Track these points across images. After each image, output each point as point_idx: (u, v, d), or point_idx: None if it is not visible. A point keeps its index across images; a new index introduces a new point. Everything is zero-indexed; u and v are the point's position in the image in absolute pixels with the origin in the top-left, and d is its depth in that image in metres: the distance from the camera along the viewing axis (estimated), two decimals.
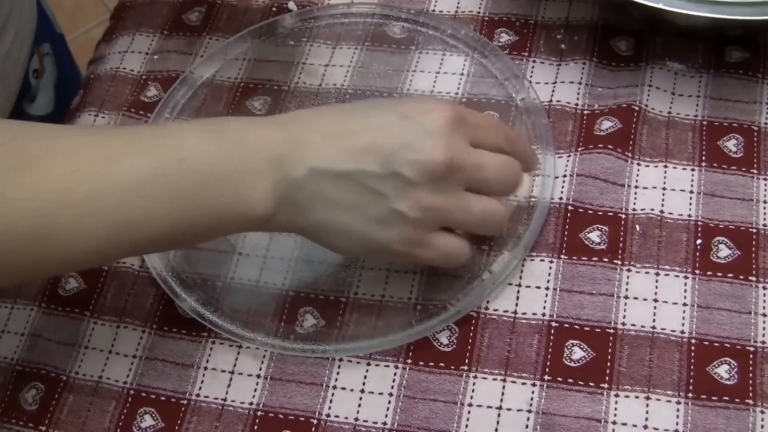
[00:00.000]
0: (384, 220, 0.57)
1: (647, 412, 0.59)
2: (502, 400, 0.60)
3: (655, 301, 0.62)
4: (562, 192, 0.67)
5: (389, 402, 0.61)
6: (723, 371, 0.60)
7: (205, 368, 0.64)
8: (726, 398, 0.59)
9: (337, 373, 0.62)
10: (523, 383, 0.61)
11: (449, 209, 0.58)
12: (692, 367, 0.60)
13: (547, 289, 0.63)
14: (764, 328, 0.61)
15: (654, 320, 0.62)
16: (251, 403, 0.62)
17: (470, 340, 0.62)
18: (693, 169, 0.67)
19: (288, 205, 0.58)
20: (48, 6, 0.94)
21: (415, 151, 0.56)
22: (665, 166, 0.67)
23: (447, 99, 0.62)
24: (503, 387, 0.61)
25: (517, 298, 0.64)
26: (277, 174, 0.57)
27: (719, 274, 0.63)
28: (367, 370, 0.62)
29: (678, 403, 0.59)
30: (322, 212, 0.58)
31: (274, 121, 0.60)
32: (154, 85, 0.77)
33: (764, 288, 0.62)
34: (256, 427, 0.61)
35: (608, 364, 0.60)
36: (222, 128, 0.58)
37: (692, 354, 0.60)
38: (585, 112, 0.70)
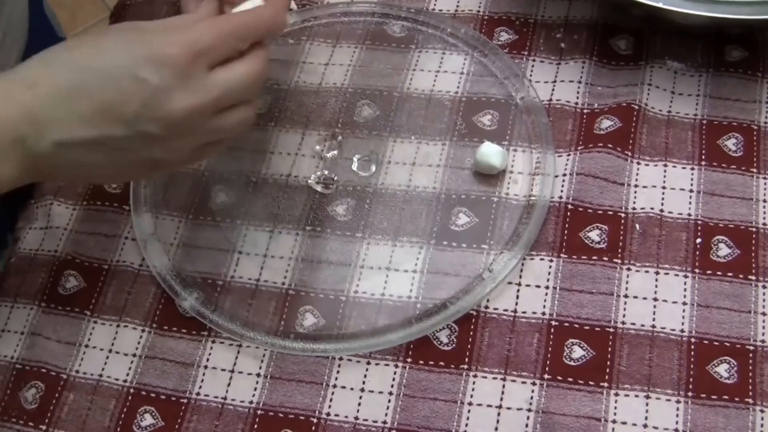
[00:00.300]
0: (145, 164, 0.59)
1: (647, 411, 0.59)
2: (502, 399, 0.60)
3: (655, 300, 0.62)
4: (561, 191, 0.67)
5: (389, 401, 0.61)
6: (723, 370, 0.60)
7: (205, 367, 0.64)
8: (726, 397, 0.59)
9: (337, 372, 0.62)
10: (523, 382, 0.61)
11: (206, 138, 0.59)
12: (692, 365, 0.60)
13: (547, 288, 0.64)
14: (764, 327, 0.61)
15: (654, 319, 0.62)
16: (251, 402, 0.62)
17: (470, 339, 0.62)
18: (693, 168, 0.67)
19: (37, 174, 0.58)
20: (50, 10, 0.92)
21: (155, 108, 0.56)
22: (665, 165, 0.67)
23: (174, 39, 0.57)
24: (503, 386, 0.61)
25: (517, 296, 0.64)
26: (21, 152, 0.55)
27: (719, 273, 0.63)
28: (367, 369, 0.62)
29: (678, 402, 0.59)
30: (80, 172, 0.59)
31: (6, 90, 0.56)
32: None
33: (764, 287, 0.62)
34: (256, 426, 0.61)
35: (608, 362, 0.60)
36: None
37: (692, 353, 0.60)
38: (585, 111, 0.70)
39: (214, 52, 0.58)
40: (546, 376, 0.61)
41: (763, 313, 0.61)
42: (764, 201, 0.65)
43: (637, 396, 0.59)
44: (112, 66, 0.56)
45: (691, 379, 0.60)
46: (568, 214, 0.66)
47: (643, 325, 0.62)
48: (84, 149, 0.56)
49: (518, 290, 0.64)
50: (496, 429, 0.59)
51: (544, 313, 0.63)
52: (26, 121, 0.55)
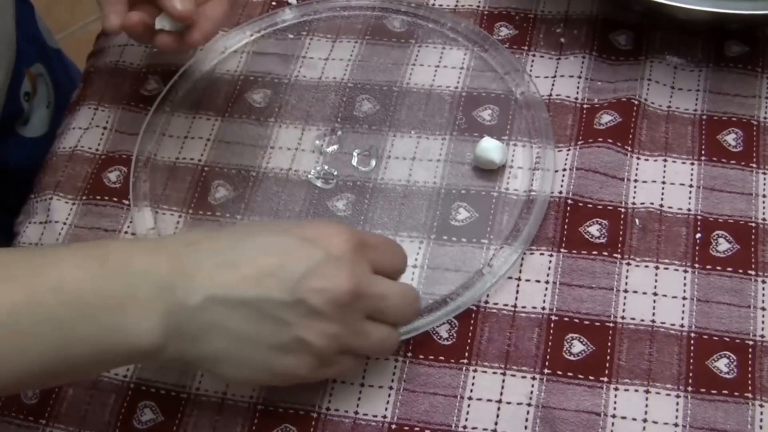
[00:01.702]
0: (287, 347, 0.54)
1: (647, 406, 0.59)
2: (501, 394, 0.60)
3: (655, 294, 0.62)
4: (561, 186, 0.67)
5: (389, 395, 0.61)
6: (722, 365, 0.60)
7: None
8: (725, 392, 0.59)
9: None
10: (523, 377, 0.61)
11: (350, 337, 0.55)
12: (692, 360, 0.60)
13: (547, 282, 0.64)
14: (763, 322, 0.61)
15: (653, 314, 0.62)
16: (251, 397, 0.62)
17: (470, 334, 0.62)
18: (692, 163, 0.67)
19: (179, 336, 0.53)
20: (41, 21, 0.91)
21: (321, 277, 0.53)
22: (665, 160, 0.67)
23: (344, 224, 0.58)
24: (503, 380, 0.61)
25: (517, 291, 0.64)
26: (168, 302, 0.52)
27: (719, 267, 0.63)
28: (367, 364, 0.62)
29: (677, 396, 0.59)
30: (218, 342, 0.53)
31: (161, 244, 0.56)
32: (153, 78, 0.77)
33: (763, 282, 0.62)
34: (256, 421, 0.61)
35: (608, 357, 0.61)
36: (104, 252, 0.53)
37: (692, 348, 0.60)
38: (585, 106, 0.70)
39: (378, 256, 0.56)
40: (546, 371, 0.61)
41: (763, 308, 0.61)
42: (764, 196, 0.65)
43: (636, 391, 0.59)
44: (279, 237, 0.55)
45: (690, 374, 0.60)
46: (568, 209, 0.66)
47: (642, 320, 0.62)
48: (235, 310, 0.53)
49: (518, 285, 0.64)
50: (496, 423, 0.59)
51: (544, 308, 0.63)
52: (179, 269, 0.53)
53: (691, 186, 0.66)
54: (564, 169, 0.68)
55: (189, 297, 0.52)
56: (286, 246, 0.54)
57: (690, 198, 0.66)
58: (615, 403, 0.59)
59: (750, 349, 0.60)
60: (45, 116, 0.86)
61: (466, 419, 0.60)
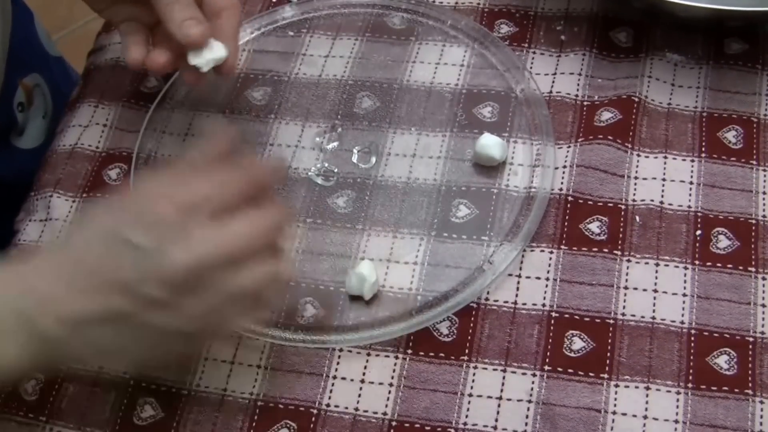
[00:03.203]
0: (161, 343, 0.54)
1: (647, 402, 0.59)
2: (502, 391, 0.60)
3: (655, 291, 0.62)
4: (562, 183, 0.67)
5: (389, 392, 0.61)
6: (722, 361, 0.60)
7: (206, 359, 0.64)
8: (725, 388, 0.59)
9: (338, 363, 0.62)
10: (524, 373, 0.61)
11: (222, 302, 0.53)
12: (692, 357, 0.60)
13: (547, 279, 0.64)
14: (763, 319, 0.61)
15: (654, 311, 0.62)
16: (251, 393, 0.62)
17: (470, 331, 0.62)
18: (693, 160, 0.67)
19: (47, 360, 0.54)
20: (42, 28, 0.90)
21: (154, 270, 0.51)
22: (665, 157, 0.67)
23: (164, 191, 0.54)
24: (503, 377, 0.61)
25: (517, 288, 0.64)
26: (29, 334, 0.52)
27: (719, 264, 0.63)
28: (367, 360, 0.62)
29: (678, 393, 0.59)
30: (87, 352, 0.54)
31: (13, 269, 0.54)
32: (154, 75, 0.77)
33: (763, 278, 0.62)
34: (256, 417, 0.61)
35: (608, 354, 0.61)
36: None
37: (692, 344, 0.60)
38: (585, 103, 0.70)
39: (213, 202, 0.53)
40: (546, 368, 0.61)
41: (763, 305, 0.61)
42: (764, 193, 0.65)
43: (637, 387, 0.59)
44: (100, 233, 0.54)
45: (691, 371, 0.60)
46: (569, 205, 0.66)
47: (643, 317, 0.62)
48: (91, 326, 0.52)
49: (518, 282, 0.64)
50: (497, 420, 0.59)
51: (544, 305, 0.63)
52: (32, 300, 0.52)
53: (691, 183, 0.66)
54: (564, 166, 0.68)
55: (48, 328, 0.52)
56: (109, 242, 0.53)
57: (690, 195, 0.66)
58: (615, 399, 0.59)
59: (750, 346, 0.60)
60: (41, 127, 0.85)
61: (467, 416, 0.60)
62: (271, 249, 0.55)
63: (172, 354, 0.56)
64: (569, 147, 0.68)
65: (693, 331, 0.61)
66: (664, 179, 0.66)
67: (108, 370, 0.64)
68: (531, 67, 0.73)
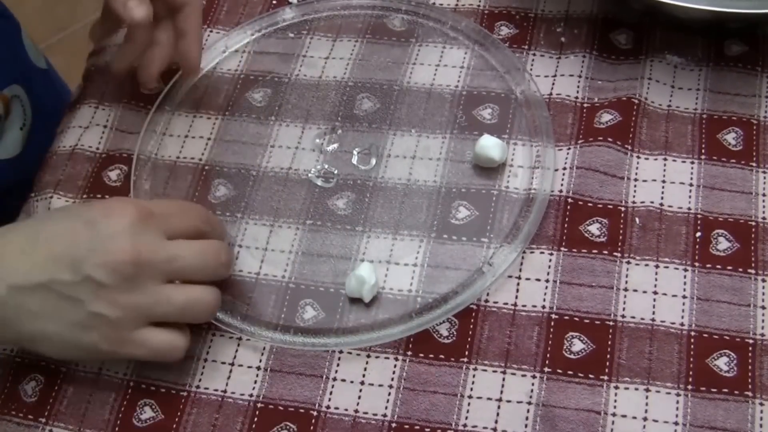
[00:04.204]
0: (85, 323, 0.58)
1: (647, 404, 0.59)
2: (502, 392, 0.60)
3: (655, 293, 0.62)
4: (561, 184, 0.67)
5: (389, 394, 0.61)
6: (722, 363, 0.60)
7: (205, 360, 0.64)
8: (725, 390, 0.59)
9: (337, 365, 0.62)
10: (523, 375, 0.61)
11: (147, 304, 0.59)
12: (692, 359, 0.60)
13: (547, 281, 0.64)
14: (763, 321, 0.61)
15: (654, 312, 0.62)
16: (251, 395, 0.62)
17: (470, 333, 0.62)
18: (692, 162, 0.67)
19: None
20: (28, 40, 0.89)
21: (103, 253, 0.57)
22: (665, 159, 0.67)
23: (132, 199, 0.66)
24: (503, 379, 0.61)
25: (517, 290, 0.64)
26: None
27: (719, 266, 0.63)
28: (367, 362, 0.62)
29: (677, 395, 0.59)
30: (28, 324, 0.59)
31: None
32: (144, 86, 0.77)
33: (763, 280, 0.62)
34: (256, 419, 0.61)
35: (608, 356, 0.61)
36: None
37: (692, 346, 0.60)
38: (585, 104, 0.70)
39: (170, 221, 0.61)
40: (546, 370, 0.61)
41: (763, 307, 0.61)
42: (764, 195, 0.65)
43: (636, 389, 0.59)
44: (67, 215, 0.61)
45: (690, 373, 0.60)
46: (568, 207, 0.66)
47: (642, 319, 0.62)
48: (34, 294, 0.58)
49: (518, 284, 0.64)
50: (496, 422, 0.59)
51: (544, 307, 0.63)
52: None
53: (691, 185, 0.66)
54: (564, 168, 0.68)
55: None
56: (72, 230, 0.59)
57: (690, 197, 0.66)
58: (615, 401, 0.59)
59: (750, 348, 0.60)
60: (18, 138, 0.84)
61: (467, 418, 0.60)
62: (210, 277, 0.62)
63: (82, 348, 0.60)
64: (569, 149, 0.68)
65: (693, 333, 0.61)
66: (664, 181, 0.66)
67: (108, 371, 0.64)
68: (531, 69, 0.73)
